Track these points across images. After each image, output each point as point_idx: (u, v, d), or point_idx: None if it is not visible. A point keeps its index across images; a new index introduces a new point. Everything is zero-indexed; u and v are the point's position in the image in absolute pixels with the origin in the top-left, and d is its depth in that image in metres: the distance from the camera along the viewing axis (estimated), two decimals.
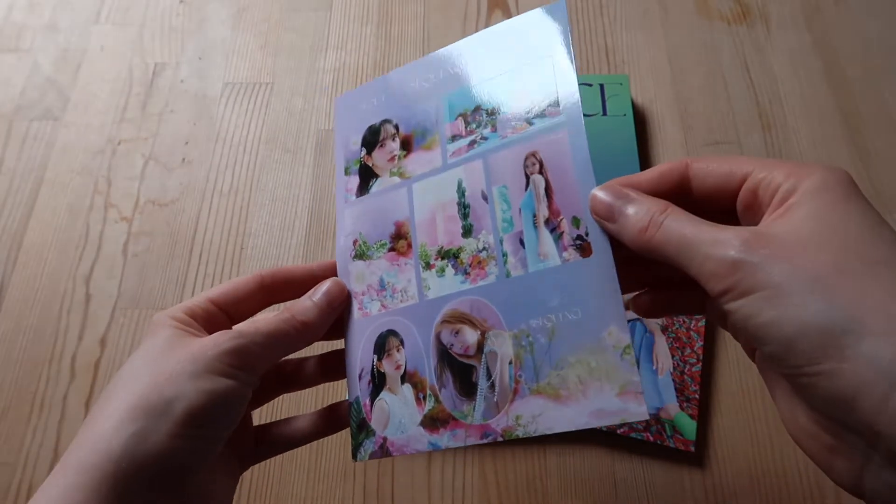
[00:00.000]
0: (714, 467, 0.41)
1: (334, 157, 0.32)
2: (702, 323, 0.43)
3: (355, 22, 0.59)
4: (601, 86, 0.53)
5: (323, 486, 0.41)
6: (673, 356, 0.42)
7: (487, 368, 0.27)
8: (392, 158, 0.31)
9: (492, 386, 0.26)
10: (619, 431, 0.40)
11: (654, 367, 0.42)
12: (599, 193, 0.24)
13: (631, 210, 0.23)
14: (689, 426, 0.40)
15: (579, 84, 0.43)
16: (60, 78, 0.57)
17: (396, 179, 0.30)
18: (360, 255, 0.30)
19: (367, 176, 0.31)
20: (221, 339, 0.24)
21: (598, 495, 0.40)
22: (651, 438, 0.40)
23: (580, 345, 0.25)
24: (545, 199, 0.27)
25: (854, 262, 0.18)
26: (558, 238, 0.26)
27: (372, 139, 0.32)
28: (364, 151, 0.32)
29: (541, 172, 0.27)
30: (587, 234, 0.26)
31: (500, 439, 0.26)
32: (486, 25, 0.59)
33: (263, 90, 0.56)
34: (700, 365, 0.42)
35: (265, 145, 0.53)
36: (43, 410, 0.43)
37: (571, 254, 0.26)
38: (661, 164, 0.24)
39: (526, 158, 0.28)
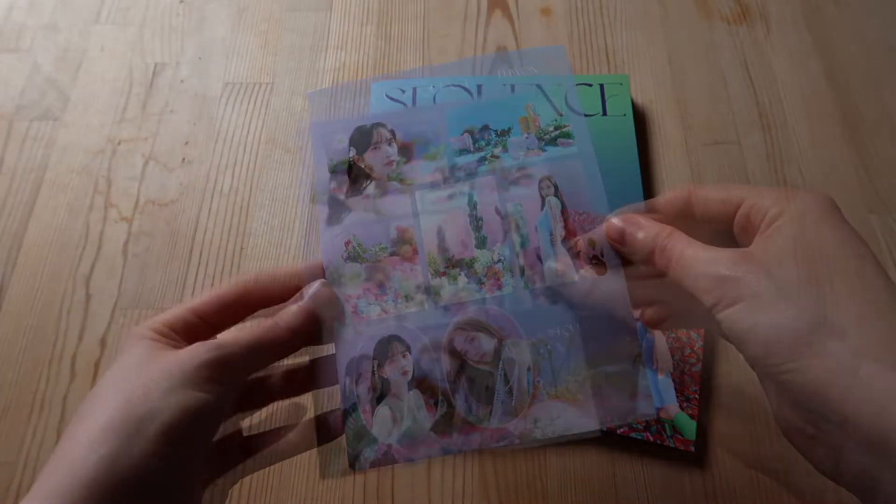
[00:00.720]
0: (714, 467, 0.41)
1: (311, 151, 0.32)
2: None
3: (355, 22, 0.59)
4: (601, 86, 0.53)
5: (323, 486, 0.41)
6: (673, 356, 0.42)
7: (505, 375, 0.28)
8: (390, 163, 0.31)
9: (509, 391, 0.28)
10: (618, 431, 0.40)
11: (654, 367, 0.42)
12: (614, 220, 0.28)
13: (641, 235, 0.26)
14: (689, 426, 0.40)
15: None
16: (60, 78, 0.57)
17: (397, 185, 0.31)
18: (355, 257, 0.30)
19: (359, 177, 0.31)
20: (199, 351, 0.23)
21: (598, 495, 0.40)
22: (651, 438, 0.40)
23: (596, 353, 0.28)
24: (561, 220, 0.30)
25: (824, 273, 0.21)
26: (575, 256, 0.29)
27: (363, 140, 0.32)
28: (353, 152, 0.32)
29: (556, 195, 0.30)
30: (602, 255, 0.29)
31: (517, 441, 0.27)
32: (487, 25, 0.59)
33: (263, 90, 0.56)
34: (700, 365, 0.42)
35: (265, 145, 0.53)
36: (43, 410, 0.43)
37: (588, 271, 0.28)
38: (668, 192, 0.28)
39: (541, 181, 0.30)
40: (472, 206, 0.30)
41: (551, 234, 0.30)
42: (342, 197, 0.31)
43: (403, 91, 0.54)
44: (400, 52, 0.58)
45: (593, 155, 0.31)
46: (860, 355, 0.19)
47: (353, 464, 0.28)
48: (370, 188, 0.31)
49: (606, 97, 0.53)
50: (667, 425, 0.40)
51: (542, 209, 0.30)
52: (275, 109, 0.55)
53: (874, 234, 0.48)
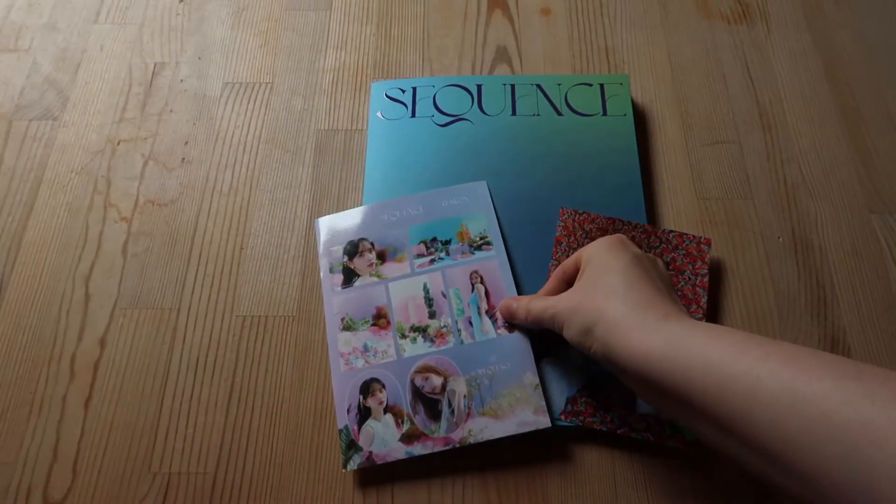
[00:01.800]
0: (714, 467, 0.40)
1: (319, 261, 0.47)
2: None
3: (355, 22, 0.59)
4: (601, 86, 0.53)
5: (322, 486, 0.41)
6: None
7: (449, 400, 0.41)
8: (371, 265, 0.45)
9: (452, 412, 0.40)
10: (619, 431, 0.40)
11: None
12: (502, 306, 0.43)
13: (518, 310, 0.41)
14: None
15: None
16: (60, 78, 0.57)
17: (375, 279, 0.45)
18: (347, 327, 0.43)
19: (350, 275, 0.45)
20: None
21: (598, 495, 0.40)
22: (651, 438, 0.40)
23: (509, 384, 0.41)
24: (485, 299, 0.44)
25: (600, 294, 0.35)
26: (494, 321, 0.43)
27: (352, 250, 0.46)
28: (346, 258, 0.46)
29: (482, 283, 0.44)
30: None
31: (457, 446, 0.40)
32: (487, 25, 0.59)
33: (263, 90, 0.56)
34: None
35: (265, 145, 0.53)
36: (42, 410, 0.43)
37: (503, 331, 0.43)
38: (556, 271, 0.42)
39: (471, 274, 0.45)
40: (426, 290, 0.44)
41: (478, 308, 0.44)
42: (339, 289, 0.45)
43: (403, 91, 0.54)
44: (400, 52, 0.58)
45: (506, 256, 0.45)
46: (618, 332, 0.33)
47: (346, 465, 0.40)
48: (358, 282, 0.45)
49: (606, 97, 0.53)
50: (667, 425, 0.40)
51: (472, 291, 0.44)
52: (274, 109, 0.55)
53: (874, 233, 0.48)
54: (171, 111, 0.55)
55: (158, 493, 0.41)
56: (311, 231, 0.49)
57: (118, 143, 0.53)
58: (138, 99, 0.55)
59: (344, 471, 0.40)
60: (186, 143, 0.53)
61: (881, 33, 0.57)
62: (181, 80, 0.56)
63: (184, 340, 0.45)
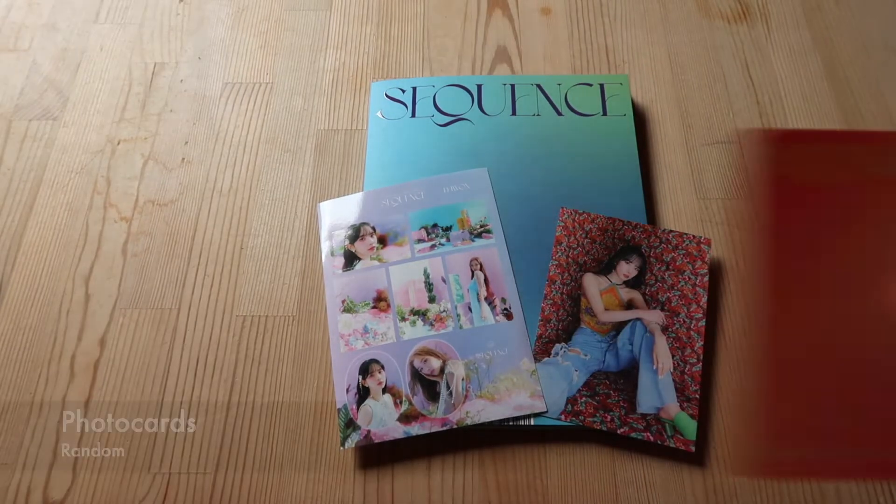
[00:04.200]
0: (714, 467, 0.40)
1: (321, 245, 0.48)
2: (702, 323, 0.43)
3: (355, 22, 0.59)
4: (601, 86, 0.53)
5: (323, 486, 0.41)
6: (673, 356, 0.42)
7: (447, 383, 0.42)
8: (371, 248, 0.47)
9: (450, 394, 0.41)
10: (619, 431, 0.40)
11: (655, 367, 0.42)
12: None
13: None
14: (689, 426, 0.40)
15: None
16: (59, 77, 0.57)
17: (376, 263, 0.46)
18: (348, 309, 0.44)
19: (351, 258, 0.46)
20: None
21: (598, 495, 0.40)
22: (651, 438, 0.40)
23: (506, 369, 0.42)
24: (484, 286, 0.45)
25: None
26: (493, 308, 0.44)
27: (354, 234, 0.47)
28: (348, 241, 0.47)
29: (481, 270, 0.45)
30: (510, 308, 0.44)
31: (454, 426, 0.40)
32: (487, 25, 0.59)
33: (263, 90, 0.56)
34: (700, 365, 0.42)
35: (265, 145, 0.53)
36: (42, 410, 0.43)
37: (501, 318, 0.44)
38: None
39: (471, 261, 0.46)
40: (426, 275, 0.45)
41: (478, 294, 0.44)
42: (339, 272, 0.46)
43: (403, 91, 0.54)
44: (400, 52, 0.58)
45: (505, 244, 0.46)
46: None
47: (343, 443, 0.40)
48: (359, 265, 0.46)
49: (606, 97, 0.53)
50: (667, 425, 0.40)
51: (472, 278, 0.45)
52: (274, 109, 0.55)
53: None
54: (171, 111, 0.55)
55: (158, 494, 0.41)
56: (311, 231, 0.49)
57: (118, 143, 0.53)
58: (138, 99, 0.55)
59: (342, 448, 0.40)
60: (186, 143, 0.53)
61: (881, 33, 0.57)
62: (181, 80, 0.56)
63: (184, 340, 0.45)
